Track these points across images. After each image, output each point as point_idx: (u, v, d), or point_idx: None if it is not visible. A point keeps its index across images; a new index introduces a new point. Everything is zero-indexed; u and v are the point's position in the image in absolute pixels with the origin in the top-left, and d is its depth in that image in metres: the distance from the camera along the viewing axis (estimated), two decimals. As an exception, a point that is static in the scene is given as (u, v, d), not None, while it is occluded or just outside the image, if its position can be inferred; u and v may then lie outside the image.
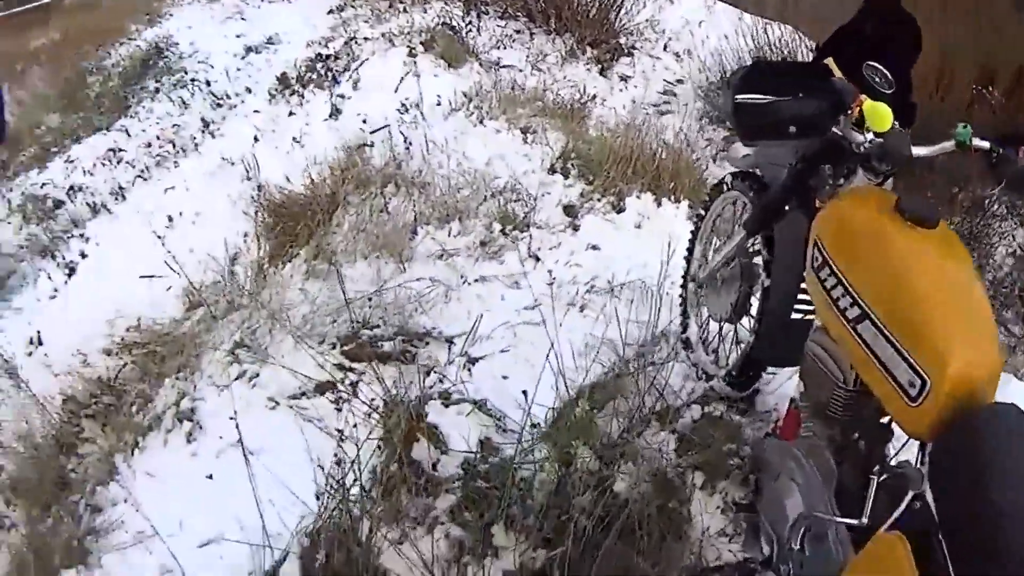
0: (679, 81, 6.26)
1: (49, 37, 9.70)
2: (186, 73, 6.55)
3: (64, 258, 5.00)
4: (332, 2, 7.31)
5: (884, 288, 1.34)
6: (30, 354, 4.62)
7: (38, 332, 4.75)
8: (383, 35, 6.08)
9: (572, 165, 4.01)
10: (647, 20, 6.58)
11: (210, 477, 2.47)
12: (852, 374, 1.46)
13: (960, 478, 1.11)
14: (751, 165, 2.14)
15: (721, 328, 2.28)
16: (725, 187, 2.28)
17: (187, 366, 3.14)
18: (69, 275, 4.92)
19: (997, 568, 0.97)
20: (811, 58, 2.25)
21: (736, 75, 1.81)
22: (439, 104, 5.22)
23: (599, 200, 3.68)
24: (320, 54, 6.11)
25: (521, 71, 6.08)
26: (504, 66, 6.07)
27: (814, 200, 1.71)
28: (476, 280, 3.14)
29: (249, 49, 6.80)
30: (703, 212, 2.46)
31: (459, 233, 3.43)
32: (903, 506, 1.20)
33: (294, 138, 5.01)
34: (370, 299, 2.91)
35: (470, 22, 6.49)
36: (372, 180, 3.93)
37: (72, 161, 6.00)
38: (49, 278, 4.90)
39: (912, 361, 1.24)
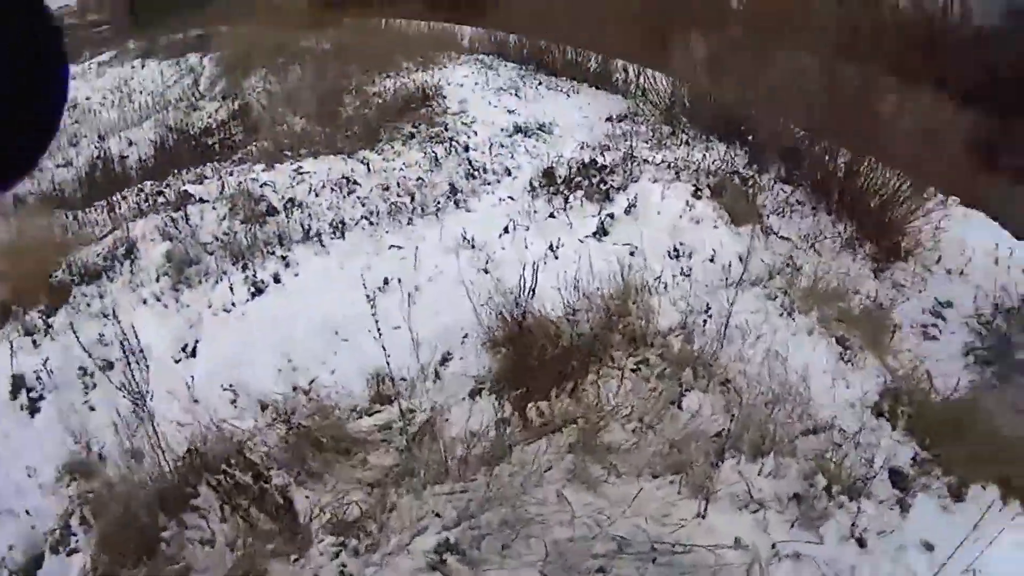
0: (948, 304, 5.11)
1: (321, 42, 9.86)
2: (446, 129, 6.12)
3: (255, 274, 4.47)
4: (613, 109, 6.77)
5: None
6: (177, 361, 4.06)
7: (196, 341, 4.20)
8: (666, 163, 5.37)
9: (901, 412, 3.04)
10: (928, 226, 5.51)
11: None
12: None
13: None
14: None
15: None
16: None
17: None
18: (253, 295, 4.37)
19: None
20: None
21: None
22: (712, 261, 4.40)
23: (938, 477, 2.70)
24: (595, 161, 5.48)
25: (796, 247, 5.17)
26: (782, 237, 5.18)
27: None
28: (787, 556, 2.40)
29: (518, 129, 6.30)
30: None
31: (772, 474, 2.47)
32: None
33: (551, 246, 4.29)
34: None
35: (752, 177, 5.68)
36: (650, 341, 3.08)
37: (302, 173, 5.60)
38: (231, 288, 4.37)
39: None
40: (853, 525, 2.52)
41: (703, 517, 2.46)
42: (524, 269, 3.45)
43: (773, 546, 2.36)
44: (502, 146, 5.87)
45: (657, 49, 8.23)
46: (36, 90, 0.74)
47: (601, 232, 4.51)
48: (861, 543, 2.50)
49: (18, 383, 3.97)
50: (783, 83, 6.15)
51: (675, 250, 4.56)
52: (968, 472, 2.80)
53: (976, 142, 6.52)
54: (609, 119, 6.90)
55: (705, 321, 3.62)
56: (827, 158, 5.43)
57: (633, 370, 3.05)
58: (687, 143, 5.98)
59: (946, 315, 4.96)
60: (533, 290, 3.47)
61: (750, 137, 5.70)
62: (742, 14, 9.70)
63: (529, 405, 3.01)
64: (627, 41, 8.56)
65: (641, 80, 7.75)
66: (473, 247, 4.28)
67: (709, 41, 8.62)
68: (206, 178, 6.07)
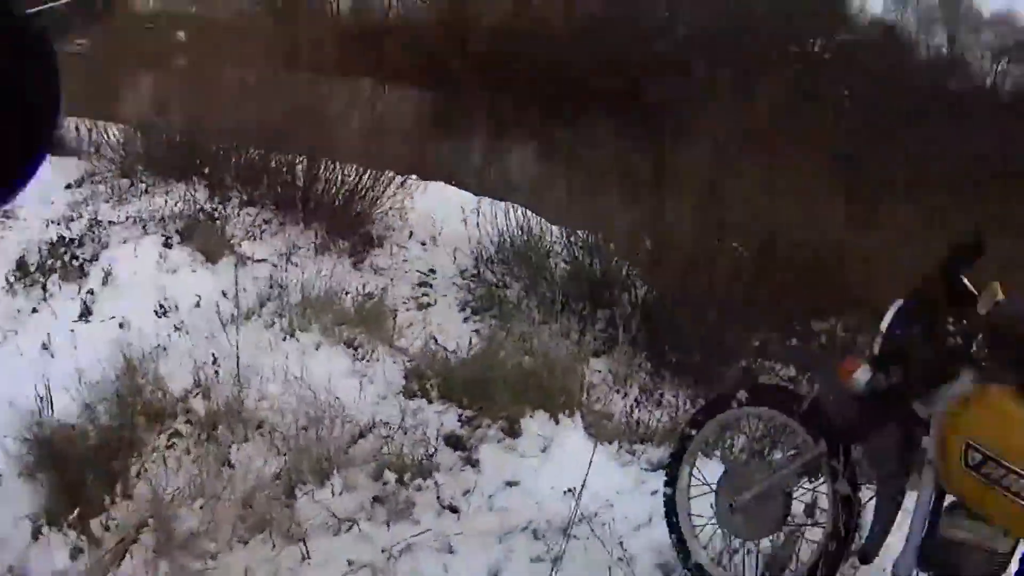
0: (431, 271, 5.91)
1: None
2: None
3: None
4: (70, 174, 6.08)
5: None
6: None
7: None
8: (131, 219, 5.04)
9: (431, 385, 3.37)
10: (393, 208, 6.09)
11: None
12: (1009, 541, 1.88)
13: None
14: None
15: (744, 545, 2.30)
16: (736, 404, 2.30)
17: None
18: None
19: None
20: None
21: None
22: (198, 307, 4.29)
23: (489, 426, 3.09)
24: (63, 237, 4.95)
25: (275, 266, 5.25)
26: (260, 261, 5.21)
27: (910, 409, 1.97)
28: (401, 551, 2.49)
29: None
30: (691, 432, 2.41)
31: (344, 490, 2.67)
32: None
33: (43, 344, 3.96)
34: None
35: (217, 209, 5.60)
36: (172, 412, 2.93)
37: None
38: None
39: None
40: (439, 498, 2.71)
41: (308, 558, 2.45)
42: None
43: (383, 551, 2.44)
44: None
45: (103, 98, 7.64)
46: (27, 94, 0.71)
47: (86, 313, 4.11)
48: (454, 509, 2.69)
49: None
50: (230, 105, 6.19)
51: (161, 307, 4.32)
52: (511, 410, 3.09)
53: (420, 119, 7.48)
54: (68, 186, 6.20)
55: (217, 372, 3.50)
56: (284, 170, 5.63)
57: (168, 447, 2.84)
58: (147, 191, 5.67)
59: (432, 282, 5.55)
60: (51, 400, 3.04)
61: (206, 169, 5.63)
62: (187, 44, 9.49)
63: (91, 523, 2.63)
64: (70, 95, 7.78)
65: (93, 135, 7.11)
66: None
67: (157, 78, 8.27)
68: None
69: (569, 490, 2.56)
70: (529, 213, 5.18)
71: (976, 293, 1.96)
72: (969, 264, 2.03)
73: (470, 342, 4.08)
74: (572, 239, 4.95)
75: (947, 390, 1.93)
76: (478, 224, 5.40)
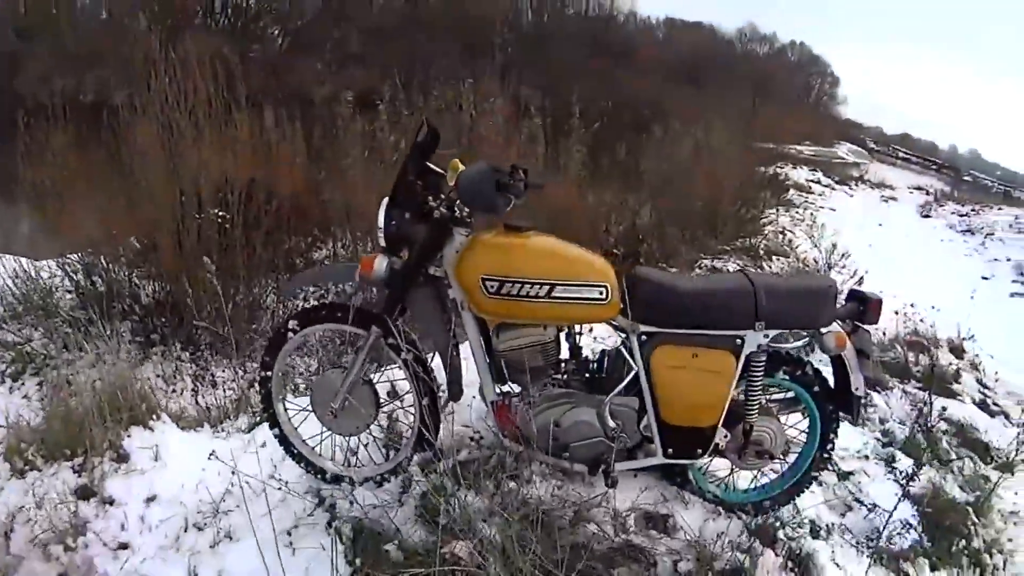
0: None
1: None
2: None
3: None
4: None
5: (546, 265, 2.28)
6: None
7: None
8: None
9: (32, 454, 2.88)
10: None
11: None
12: (552, 330, 2.39)
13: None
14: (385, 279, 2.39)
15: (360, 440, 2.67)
16: (292, 333, 2.53)
17: None
18: None
19: None
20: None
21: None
22: None
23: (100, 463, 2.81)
24: None
25: None
26: None
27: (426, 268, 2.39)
28: None
29: None
30: (267, 374, 2.61)
31: None
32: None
33: None
34: None
35: None
36: None
37: None
38: None
39: (593, 282, 2.29)
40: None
41: None
42: None
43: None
44: None
45: None
46: None
47: None
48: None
49: None
50: None
51: None
52: (110, 438, 2.88)
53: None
54: None
55: None
56: None
57: None
58: None
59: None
60: None
61: None
62: None
63: None
64: None
65: None
66: None
67: None
68: None
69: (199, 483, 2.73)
70: (22, 260, 4.65)
71: (443, 172, 2.36)
72: (431, 153, 2.37)
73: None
74: (67, 268, 4.66)
75: (449, 249, 2.34)
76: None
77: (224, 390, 4.31)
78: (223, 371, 4.62)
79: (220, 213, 4.45)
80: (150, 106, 4.58)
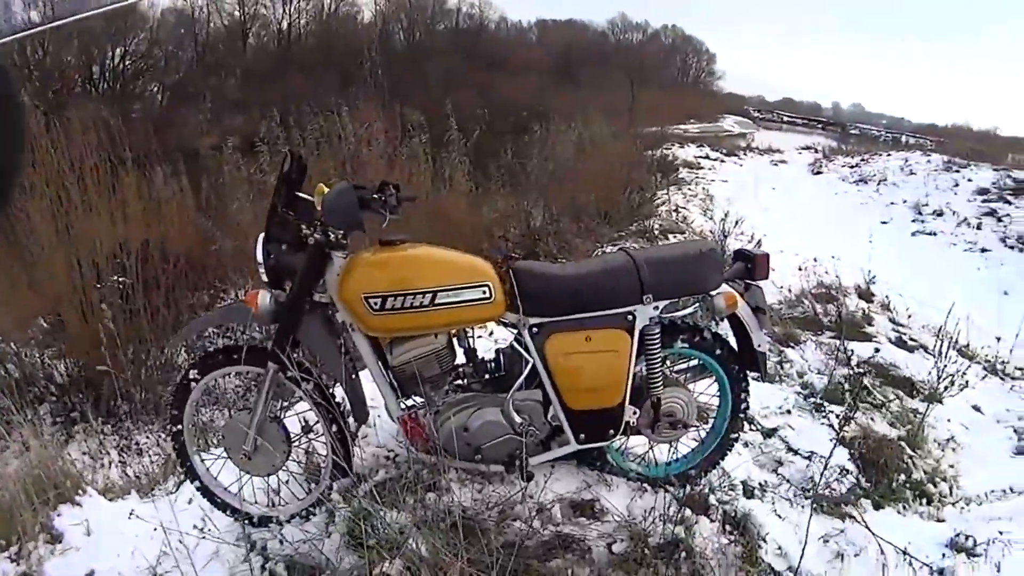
0: None
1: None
2: None
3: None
4: None
5: (424, 273, 2.31)
6: None
7: None
8: None
9: None
10: None
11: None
12: (443, 337, 2.42)
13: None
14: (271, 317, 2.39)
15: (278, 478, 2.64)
16: (193, 382, 2.50)
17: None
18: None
19: None
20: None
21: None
22: None
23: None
24: None
25: None
26: None
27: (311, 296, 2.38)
28: None
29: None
30: (178, 428, 2.57)
31: None
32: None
33: None
34: None
35: None
36: None
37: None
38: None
39: (473, 283, 2.32)
40: None
41: None
42: None
43: None
44: None
45: None
46: None
47: None
48: None
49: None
50: None
51: None
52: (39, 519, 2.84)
53: None
54: None
55: None
56: None
57: None
58: None
59: None
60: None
61: None
62: None
63: None
64: None
65: None
66: None
67: None
68: None
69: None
70: None
71: (312, 199, 2.35)
72: (299, 183, 2.38)
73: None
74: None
75: (330, 273, 2.34)
76: None
77: (150, 456, 4.22)
78: (146, 437, 4.53)
79: (119, 279, 4.38)
80: (39, 181, 4.50)
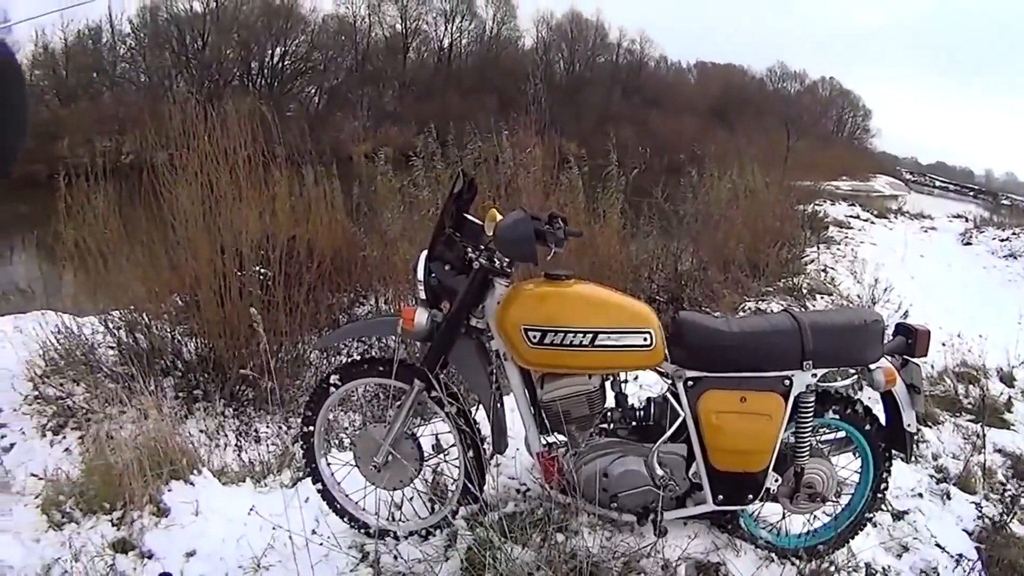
0: None
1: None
2: None
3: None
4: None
5: (588, 313, 2.27)
6: None
7: None
8: None
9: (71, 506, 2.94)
10: None
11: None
12: (597, 379, 2.36)
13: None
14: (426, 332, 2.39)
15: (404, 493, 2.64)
16: (333, 388, 2.52)
17: None
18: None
19: None
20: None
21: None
22: None
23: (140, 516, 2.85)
24: None
25: None
26: None
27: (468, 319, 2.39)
28: None
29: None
30: (309, 429, 2.60)
31: None
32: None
33: None
34: None
35: None
36: None
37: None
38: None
39: (636, 329, 2.27)
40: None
41: None
42: None
43: None
44: None
45: None
46: None
47: None
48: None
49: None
50: None
51: None
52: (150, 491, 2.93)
53: None
54: None
55: None
56: None
57: None
58: None
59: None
60: None
61: None
62: None
63: None
64: None
65: None
66: None
67: None
68: None
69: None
70: (64, 316, 4.78)
71: (481, 222, 2.34)
72: (468, 204, 2.40)
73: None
74: (110, 324, 4.77)
75: (490, 300, 2.32)
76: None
77: (268, 445, 4.33)
78: (267, 427, 4.64)
79: (262, 270, 4.52)
80: (190, 165, 4.72)
